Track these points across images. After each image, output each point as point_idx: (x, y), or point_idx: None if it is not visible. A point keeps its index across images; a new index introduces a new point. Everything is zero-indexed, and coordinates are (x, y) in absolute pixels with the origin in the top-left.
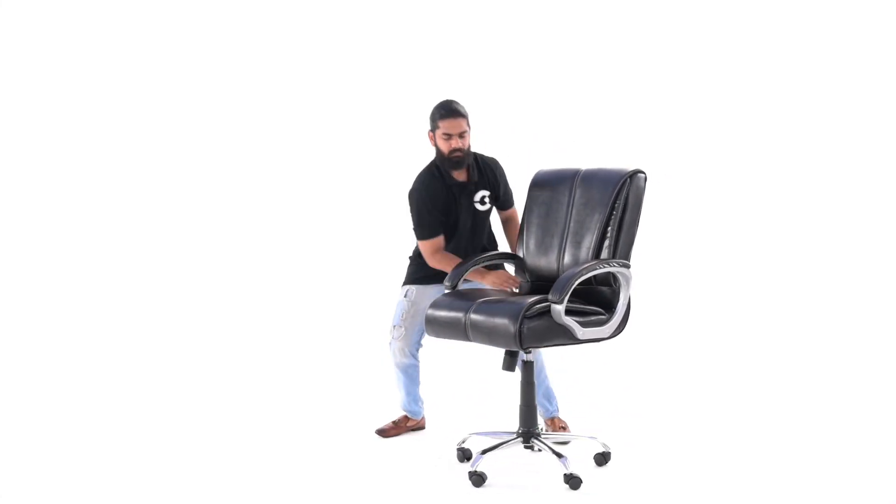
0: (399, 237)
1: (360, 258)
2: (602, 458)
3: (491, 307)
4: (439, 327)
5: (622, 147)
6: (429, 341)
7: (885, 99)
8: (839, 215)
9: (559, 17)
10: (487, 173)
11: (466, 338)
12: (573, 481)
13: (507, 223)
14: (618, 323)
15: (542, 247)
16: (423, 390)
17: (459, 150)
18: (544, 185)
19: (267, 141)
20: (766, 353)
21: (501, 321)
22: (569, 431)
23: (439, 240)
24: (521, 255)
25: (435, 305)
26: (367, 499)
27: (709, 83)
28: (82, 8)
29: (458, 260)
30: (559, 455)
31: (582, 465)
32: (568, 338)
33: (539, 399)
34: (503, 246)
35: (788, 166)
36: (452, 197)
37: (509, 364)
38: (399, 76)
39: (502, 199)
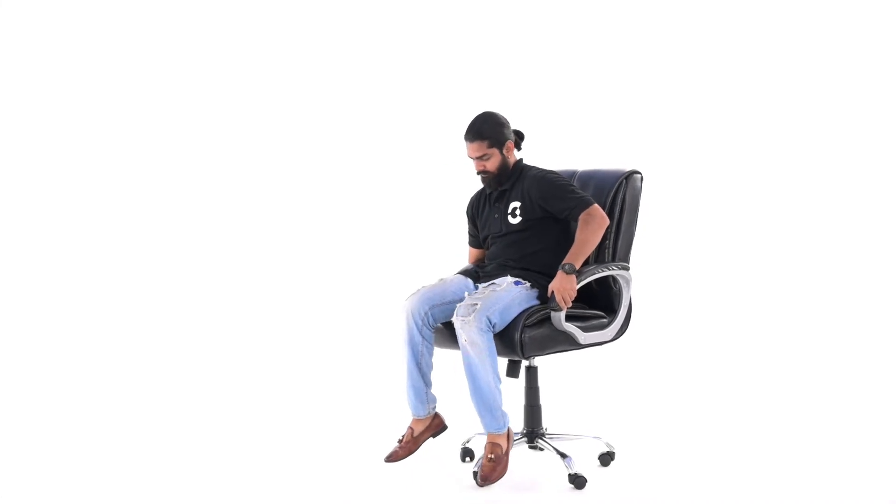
0: (408, 240)
1: (367, 262)
2: (606, 458)
3: None
4: (440, 337)
5: (616, 146)
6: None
7: (884, 99)
8: (838, 216)
9: (554, 16)
10: (524, 184)
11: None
12: (578, 481)
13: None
14: (619, 325)
15: None
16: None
17: (483, 171)
18: None
19: (276, 143)
20: (769, 352)
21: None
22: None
23: (472, 251)
24: None
25: None
26: (370, 498)
27: (704, 82)
28: (82, 8)
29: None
30: (563, 455)
31: (586, 464)
32: (570, 344)
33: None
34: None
35: (786, 165)
36: (488, 206)
37: (513, 370)
38: (399, 79)
39: (555, 211)
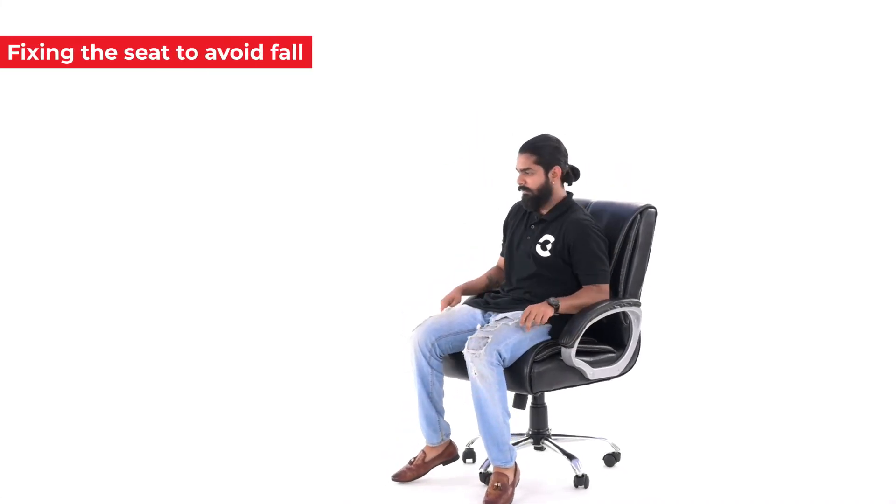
0: (415, 246)
1: (372, 265)
2: (611, 459)
3: None
4: (447, 367)
5: (625, 177)
6: None
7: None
8: (853, 248)
9: (564, 51)
10: (566, 224)
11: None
12: (583, 482)
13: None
14: (628, 360)
15: None
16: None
17: (524, 187)
18: None
19: (281, 144)
20: (772, 356)
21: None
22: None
23: (500, 259)
24: None
25: None
26: (373, 497)
27: (717, 116)
28: (80, 8)
29: (474, 281)
30: (570, 456)
31: (591, 465)
32: (578, 379)
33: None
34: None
35: (797, 200)
36: (524, 225)
37: (520, 402)
38: (394, 91)
39: (575, 266)
